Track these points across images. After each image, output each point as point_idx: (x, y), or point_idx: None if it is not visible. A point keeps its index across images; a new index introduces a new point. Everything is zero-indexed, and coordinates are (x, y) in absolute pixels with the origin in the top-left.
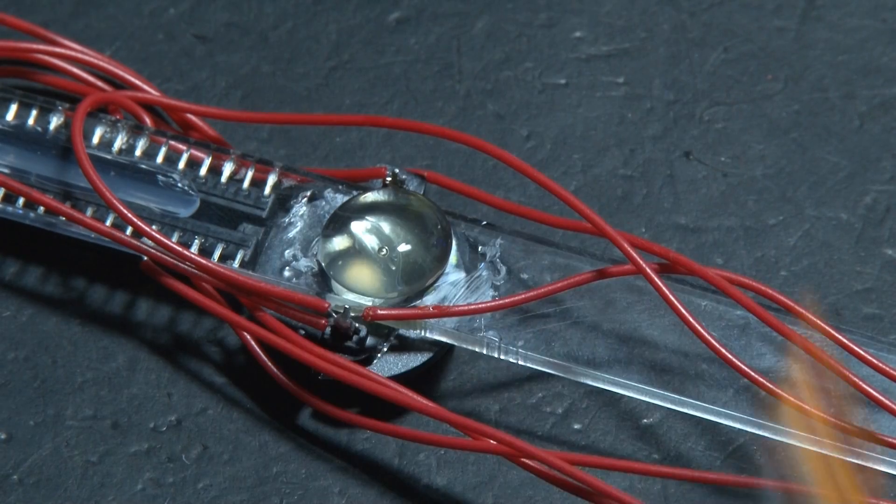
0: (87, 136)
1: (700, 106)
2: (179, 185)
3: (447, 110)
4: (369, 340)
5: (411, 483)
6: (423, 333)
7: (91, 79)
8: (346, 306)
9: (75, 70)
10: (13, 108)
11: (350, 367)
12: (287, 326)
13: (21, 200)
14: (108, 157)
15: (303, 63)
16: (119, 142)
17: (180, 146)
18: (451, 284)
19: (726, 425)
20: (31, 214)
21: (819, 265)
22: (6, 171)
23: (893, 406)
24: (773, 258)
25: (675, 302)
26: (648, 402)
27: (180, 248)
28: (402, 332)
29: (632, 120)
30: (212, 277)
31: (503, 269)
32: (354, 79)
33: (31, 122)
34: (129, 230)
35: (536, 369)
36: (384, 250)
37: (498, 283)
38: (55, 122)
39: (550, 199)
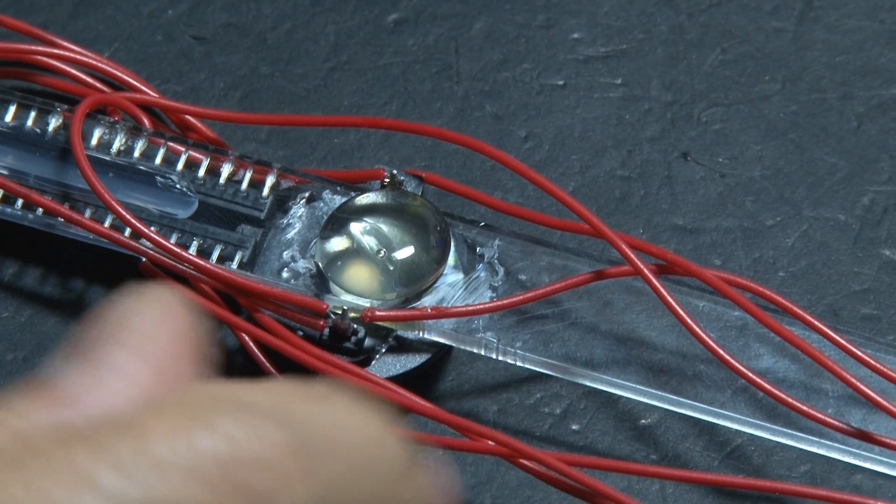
0: (86, 137)
1: (698, 107)
2: (178, 186)
3: (445, 111)
4: (367, 341)
5: None
6: (421, 334)
7: (89, 80)
8: (345, 307)
9: (74, 71)
10: (12, 109)
11: (348, 368)
12: (285, 328)
13: (20, 202)
14: (107, 158)
15: (301, 64)
16: (117, 143)
17: (179, 147)
18: (450, 285)
19: (724, 426)
20: (30, 216)
21: (817, 266)
22: (5, 172)
23: (891, 407)
24: (770, 259)
25: (673, 303)
26: (646, 403)
27: (178, 250)
28: (400, 333)
29: (629, 121)
30: (210, 279)
31: (501, 270)
32: (353, 80)
33: (29, 123)
34: (127, 231)
35: (534, 370)
36: (382, 251)
37: (496, 284)
38: (54, 123)
39: (548, 200)
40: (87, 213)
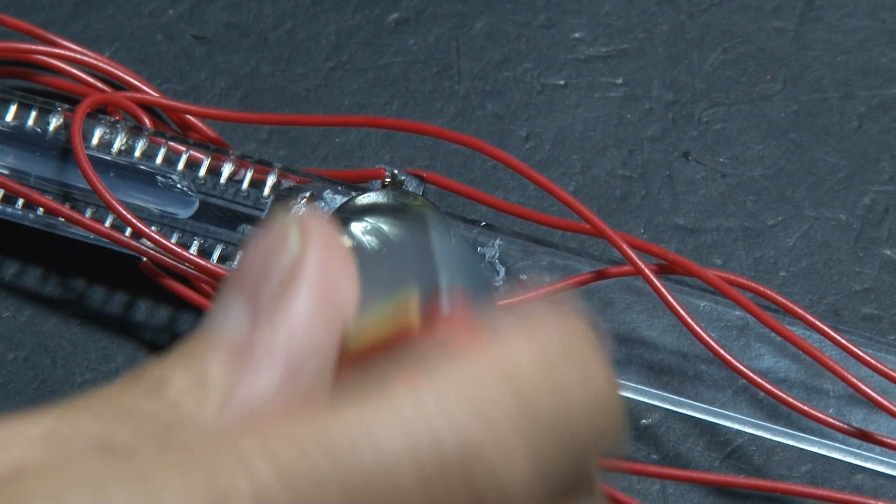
0: (87, 136)
1: (699, 106)
2: (178, 185)
3: (446, 111)
4: None
5: None
6: None
7: (90, 80)
8: None
9: (74, 71)
10: (12, 108)
11: None
12: None
13: (20, 201)
14: (108, 157)
15: (302, 64)
16: (118, 143)
17: (179, 147)
18: None
19: (725, 426)
20: (31, 215)
21: (818, 266)
22: (6, 172)
23: (892, 407)
24: (771, 259)
25: (674, 303)
26: (647, 403)
27: (179, 249)
28: None
29: (631, 121)
30: (211, 278)
31: (502, 270)
32: (353, 79)
33: (30, 122)
34: (128, 231)
35: None
36: (383, 251)
37: (497, 284)
38: (54, 122)
39: (549, 200)
40: (88, 212)
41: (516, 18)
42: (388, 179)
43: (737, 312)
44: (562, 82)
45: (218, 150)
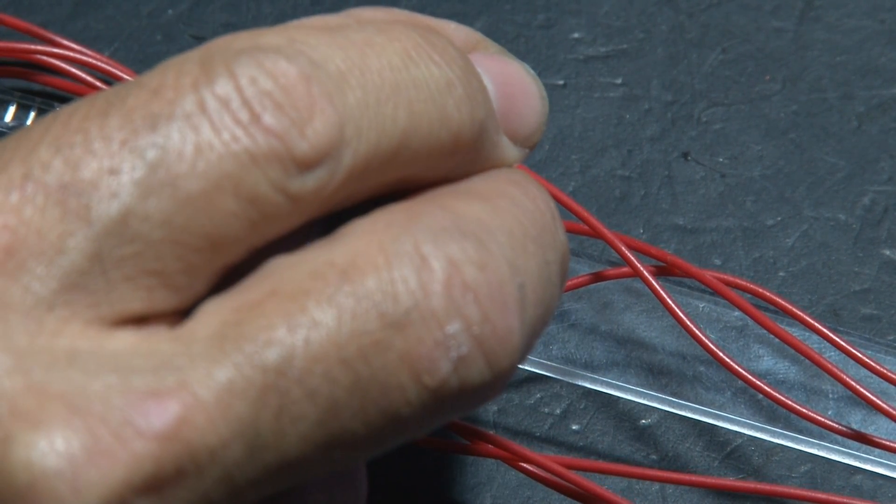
0: None
1: (698, 107)
2: None
3: None
4: None
5: (408, 485)
6: None
7: (90, 79)
8: None
9: (74, 71)
10: (11, 109)
11: None
12: None
13: None
14: None
15: None
16: None
17: None
18: None
19: (724, 427)
20: None
21: (817, 266)
22: None
23: (891, 409)
24: (771, 259)
25: (673, 304)
26: (646, 404)
27: None
28: None
29: (630, 121)
30: None
31: None
32: None
33: (29, 123)
34: None
35: (534, 371)
36: None
37: None
38: None
39: None
40: None
41: (515, 19)
42: None
43: (735, 314)
44: (561, 82)
45: None
